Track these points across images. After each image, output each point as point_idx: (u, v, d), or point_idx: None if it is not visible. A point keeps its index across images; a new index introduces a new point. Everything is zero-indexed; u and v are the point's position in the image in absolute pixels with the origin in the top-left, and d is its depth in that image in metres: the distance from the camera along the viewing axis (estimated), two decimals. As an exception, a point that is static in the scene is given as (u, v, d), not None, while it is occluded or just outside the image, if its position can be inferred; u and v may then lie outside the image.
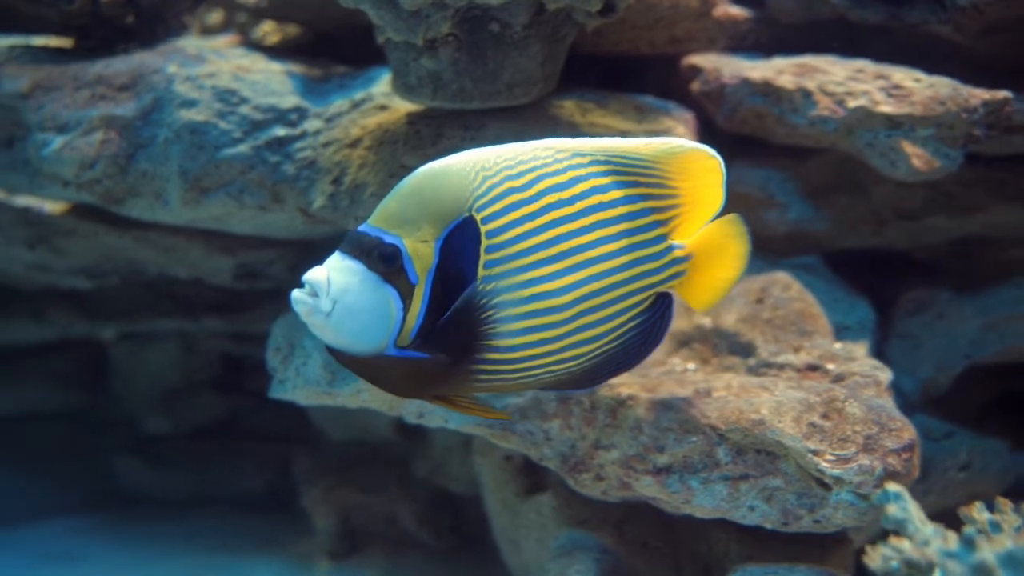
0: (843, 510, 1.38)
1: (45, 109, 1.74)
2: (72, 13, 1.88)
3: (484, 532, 2.33)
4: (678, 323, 1.77)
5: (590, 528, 1.66)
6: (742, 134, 1.93)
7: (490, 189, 1.22)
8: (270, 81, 1.85)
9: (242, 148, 1.74)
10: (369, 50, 1.94)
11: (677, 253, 1.36)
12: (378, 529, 2.47)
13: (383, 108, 1.78)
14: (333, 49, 2.07)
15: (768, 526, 1.43)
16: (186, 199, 1.74)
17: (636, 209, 1.30)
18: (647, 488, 1.47)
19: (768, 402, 1.44)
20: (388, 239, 1.18)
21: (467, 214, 1.20)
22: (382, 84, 1.84)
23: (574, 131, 1.74)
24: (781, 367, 1.61)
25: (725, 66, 1.92)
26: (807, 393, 1.46)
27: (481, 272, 1.21)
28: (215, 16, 2.42)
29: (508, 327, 1.22)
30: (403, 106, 1.76)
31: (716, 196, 1.37)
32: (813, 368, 1.59)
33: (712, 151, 1.36)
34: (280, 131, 1.77)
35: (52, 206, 2.07)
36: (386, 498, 2.47)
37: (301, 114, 1.80)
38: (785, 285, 1.77)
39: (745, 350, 1.69)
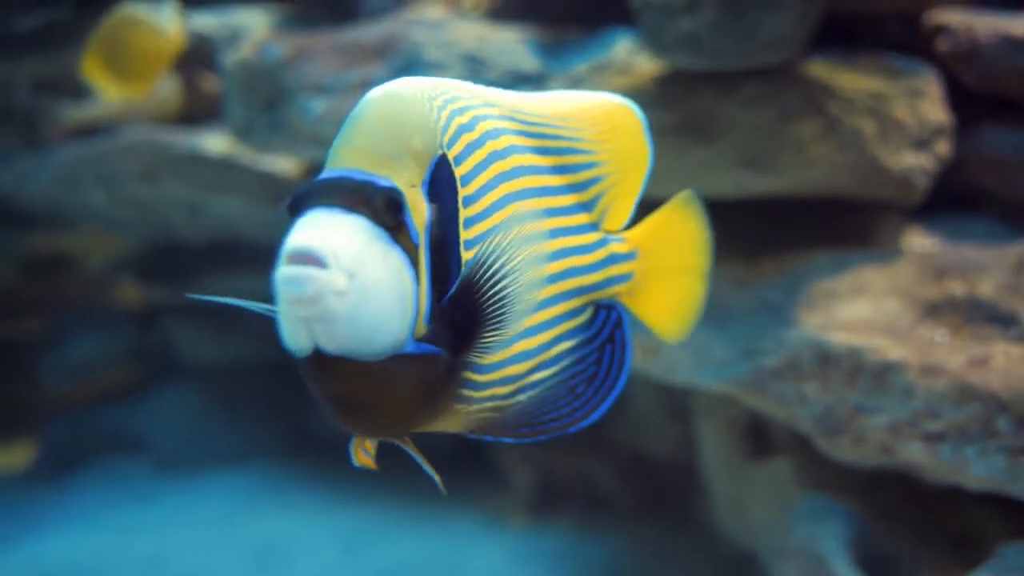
0: None
1: (306, 74, 1.84)
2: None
3: (680, 496, 2.35)
4: (925, 290, 1.72)
5: (833, 493, 1.65)
6: (993, 94, 1.84)
7: (448, 123, 0.89)
8: (508, 46, 1.89)
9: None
10: (577, 13, 1.96)
11: (615, 248, 0.99)
12: (574, 488, 2.52)
13: (625, 70, 1.79)
14: (538, 13, 2.09)
15: (1050, 501, 1.38)
16: (436, 159, 1.80)
17: (554, 184, 0.95)
18: (915, 454, 1.45)
19: (1054, 372, 1.39)
20: (382, 182, 0.83)
21: (440, 151, 0.88)
22: (620, 47, 1.85)
23: (827, 92, 1.70)
24: (1052, 338, 1.54)
25: (978, 23, 1.84)
26: (1095, 365, 1.40)
27: (462, 233, 0.88)
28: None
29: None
30: (647, 68, 1.77)
31: (640, 166, 0.99)
32: (1089, 340, 1.52)
33: (632, 104, 1.00)
34: (525, 94, 1.81)
35: (290, 168, 2.20)
36: (583, 458, 2.52)
37: (543, 77, 1.83)
38: (1047, 254, 1.69)
39: (1005, 320, 1.63)
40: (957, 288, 1.71)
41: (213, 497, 2.78)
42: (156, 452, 2.99)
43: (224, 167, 2.19)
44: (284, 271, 0.79)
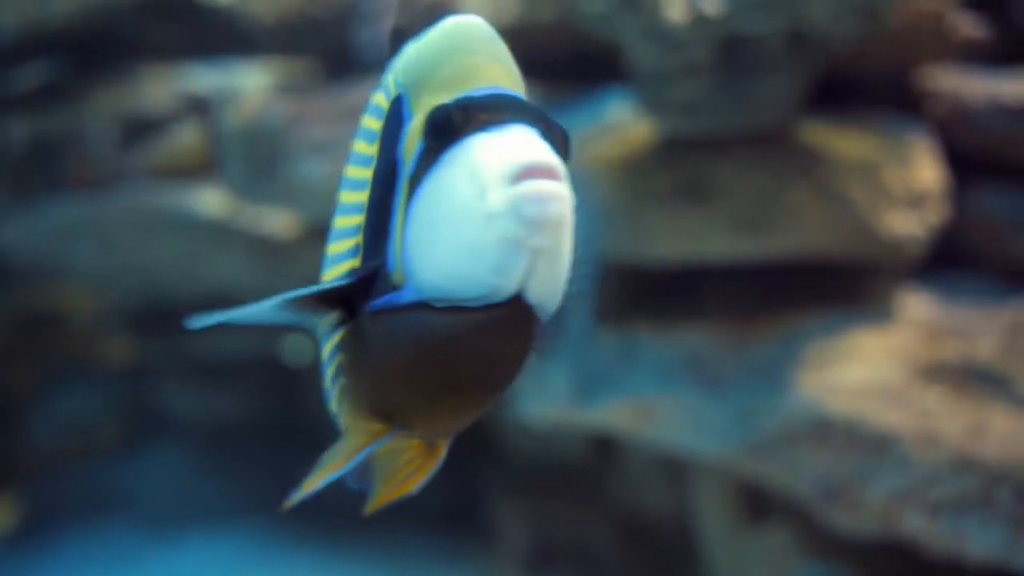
0: None
1: (307, 136, 1.86)
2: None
3: (678, 557, 2.31)
4: (920, 353, 1.72)
5: (834, 562, 1.62)
6: (985, 158, 1.86)
7: None
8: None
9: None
10: (573, 72, 1.98)
11: None
12: (570, 548, 2.49)
13: (620, 134, 1.81)
14: (534, 70, 2.11)
15: (1052, 573, 1.36)
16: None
17: None
18: (913, 524, 1.43)
19: (1052, 441, 1.38)
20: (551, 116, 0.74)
21: None
22: (615, 109, 1.87)
23: (818, 161, 1.72)
24: (1048, 403, 1.54)
25: (965, 87, 1.86)
26: (1094, 433, 1.39)
27: None
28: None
29: None
30: (642, 133, 1.79)
31: None
32: (1086, 405, 1.51)
33: None
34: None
35: (284, 230, 2.19)
36: (579, 517, 2.49)
37: (538, 139, 1.85)
38: (1041, 316, 1.69)
39: (1001, 383, 1.62)
40: (953, 350, 1.70)
41: (202, 557, 2.74)
42: (145, 511, 2.95)
43: (219, 229, 2.19)
44: (537, 185, 0.63)
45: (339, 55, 2.06)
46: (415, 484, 0.79)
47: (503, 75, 0.71)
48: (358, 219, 0.74)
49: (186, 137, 2.28)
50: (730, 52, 1.54)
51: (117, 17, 2.44)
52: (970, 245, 1.91)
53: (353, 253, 0.74)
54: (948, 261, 1.93)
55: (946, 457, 1.42)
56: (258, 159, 1.92)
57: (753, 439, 1.59)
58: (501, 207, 0.63)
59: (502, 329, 0.66)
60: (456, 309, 0.65)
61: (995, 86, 1.84)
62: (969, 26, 1.93)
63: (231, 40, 2.31)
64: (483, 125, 0.67)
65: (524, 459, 2.62)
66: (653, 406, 1.71)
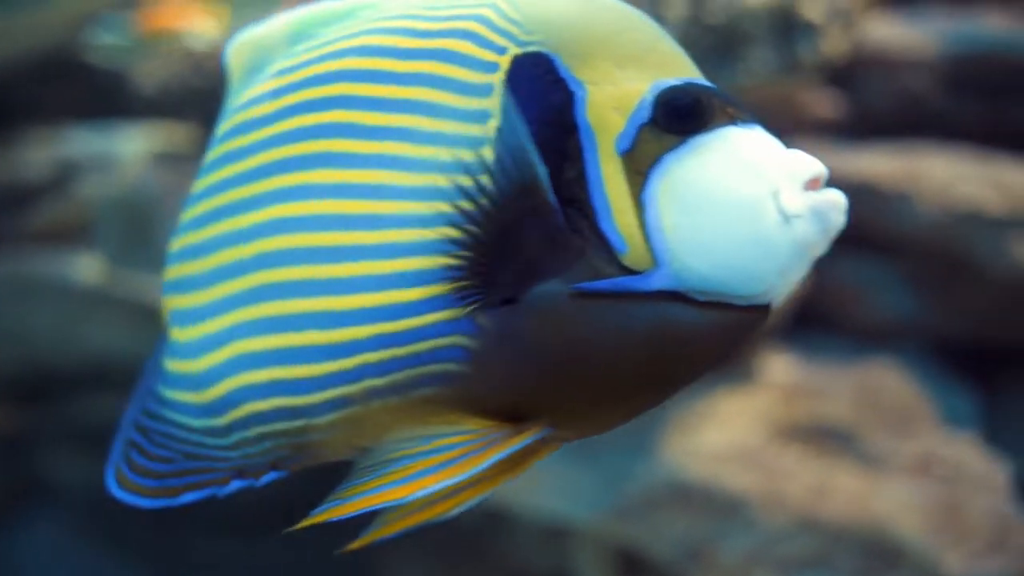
0: (968, 612, 1.38)
1: (181, 202, 1.85)
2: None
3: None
4: (777, 414, 1.80)
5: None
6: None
7: None
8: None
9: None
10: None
11: None
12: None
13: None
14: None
15: (889, 625, 1.43)
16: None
17: None
18: (765, 583, 1.49)
19: (886, 500, 1.47)
20: None
21: None
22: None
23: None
24: (889, 460, 1.63)
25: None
26: (925, 491, 1.49)
27: None
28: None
29: None
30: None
31: None
32: (924, 462, 1.61)
33: None
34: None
35: (160, 298, 2.17)
36: (468, 572, 2.49)
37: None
38: (889, 374, 1.80)
39: (849, 441, 1.72)
40: (807, 410, 1.80)
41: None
42: (25, 586, 2.82)
43: (98, 296, 2.16)
44: (836, 196, 0.62)
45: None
46: (460, 503, 0.62)
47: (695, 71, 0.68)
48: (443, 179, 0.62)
49: (65, 203, 2.26)
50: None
51: (3, 79, 2.42)
52: (827, 309, 2.02)
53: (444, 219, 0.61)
54: (810, 323, 2.04)
55: (790, 518, 1.49)
56: (133, 226, 1.91)
57: (620, 504, 1.64)
58: (803, 210, 0.61)
59: (748, 330, 0.64)
60: (717, 305, 0.61)
61: (841, 163, 1.96)
62: (821, 104, 2.08)
63: (118, 104, 2.31)
64: (732, 119, 0.63)
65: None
66: (532, 473, 1.75)
